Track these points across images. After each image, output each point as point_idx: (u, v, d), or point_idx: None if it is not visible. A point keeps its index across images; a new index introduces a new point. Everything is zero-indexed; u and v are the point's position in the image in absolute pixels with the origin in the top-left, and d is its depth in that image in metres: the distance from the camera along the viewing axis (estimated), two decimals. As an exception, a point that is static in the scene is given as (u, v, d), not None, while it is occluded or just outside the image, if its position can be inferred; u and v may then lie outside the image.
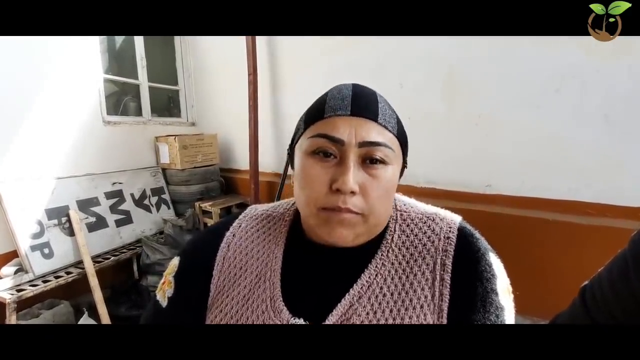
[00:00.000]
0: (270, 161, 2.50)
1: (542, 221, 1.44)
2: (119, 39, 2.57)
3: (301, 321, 0.43)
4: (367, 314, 0.42)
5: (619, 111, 1.31)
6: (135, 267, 2.27)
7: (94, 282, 1.86)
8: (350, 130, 0.41)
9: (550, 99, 1.44)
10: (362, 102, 0.44)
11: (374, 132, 0.42)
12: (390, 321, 0.41)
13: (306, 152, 0.44)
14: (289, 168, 0.53)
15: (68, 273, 1.84)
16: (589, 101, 1.36)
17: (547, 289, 1.25)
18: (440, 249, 0.45)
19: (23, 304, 1.68)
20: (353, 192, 0.41)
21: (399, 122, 0.46)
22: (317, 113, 0.45)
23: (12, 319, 1.57)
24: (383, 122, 0.43)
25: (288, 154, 0.51)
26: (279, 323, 0.44)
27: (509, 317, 0.42)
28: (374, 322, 0.42)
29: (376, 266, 0.45)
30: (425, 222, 0.48)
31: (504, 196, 1.60)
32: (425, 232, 0.47)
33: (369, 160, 0.42)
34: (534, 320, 1.36)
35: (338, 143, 0.42)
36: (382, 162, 0.43)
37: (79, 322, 1.83)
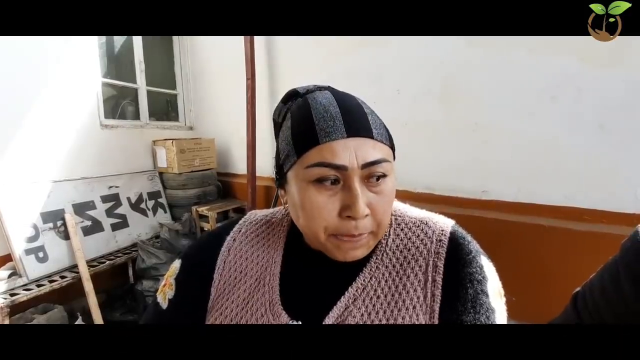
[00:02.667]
0: (267, 166, 2.50)
1: (538, 227, 1.44)
2: (118, 43, 2.58)
3: (299, 324, 0.44)
4: (362, 315, 0.43)
5: (614, 119, 1.32)
6: (130, 272, 2.25)
7: (88, 286, 1.85)
8: (350, 154, 0.40)
9: (546, 106, 1.46)
10: (354, 120, 0.42)
11: (373, 150, 0.41)
12: (384, 322, 0.42)
13: (306, 182, 0.42)
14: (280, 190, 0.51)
15: (62, 277, 1.82)
16: (585, 109, 1.38)
17: (543, 294, 1.25)
18: (433, 251, 0.45)
19: (16, 308, 1.66)
20: (366, 215, 0.41)
21: (386, 129, 0.46)
22: (308, 139, 0.42)
23: (5, 323, 1.55)
24: (378, 136, 0.43)
25: (276, 178, 0.49)
26: None
27: (500, 319, 0.42)
28: (368, 323, 0.43)
29: (371, 269, 0.46)
30: (418, 226, 0.49)
31: (500, 202, 1.60)
32: (418, 236, 0.48)
33: (372, 179, 0.42)
34: (530, 327, 1.36)
35: (341, 169, 0.40)
36: (383, 176, 0.43)
37: (73, 324, 1.81)
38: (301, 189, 0.42)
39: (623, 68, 1.29)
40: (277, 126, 0.51)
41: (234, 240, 0.55)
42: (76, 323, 1.84)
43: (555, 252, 1.39)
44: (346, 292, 0.45)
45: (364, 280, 0.46)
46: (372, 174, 0.41)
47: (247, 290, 0.49)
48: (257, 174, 2.46)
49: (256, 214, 0.59)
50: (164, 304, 0.52)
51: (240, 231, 0.56)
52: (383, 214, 0.43)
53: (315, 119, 0.42)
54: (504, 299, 0.45)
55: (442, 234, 0.46)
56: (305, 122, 0.43)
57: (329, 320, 0.44)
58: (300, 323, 0.44)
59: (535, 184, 1.52)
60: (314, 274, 0.49)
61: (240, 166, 2.74)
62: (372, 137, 0.42)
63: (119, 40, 2.56)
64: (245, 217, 0.59)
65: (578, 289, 0.46)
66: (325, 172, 0.41)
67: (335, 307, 0.44)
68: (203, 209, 2.43)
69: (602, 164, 1.36)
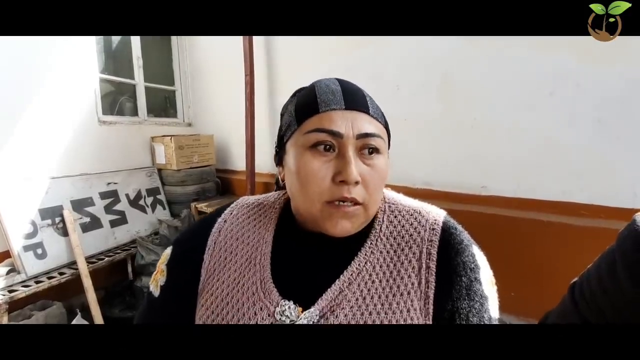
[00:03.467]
0: (266, 162, 2.50)
1: (536, 222, 1.45)
2: (115, 39, 2.56)
3: (291, 303, 0.44)
4: (357, 299, 0.44)
5: (611, 114, 1.33)
6: (129, 268, 2.25)
7: (87, 283, 1.84)
8: (347, 123, 0.43)
9: (545, 101, 1.46)
10: (352, 96, 0.46)
11: (368, 124, 0.45)
12: (379, 307, 0.43)
13: (304, 147, 0.44)
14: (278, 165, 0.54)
15: (61, 274, 1.82)
16: (583, 104, 1.38)
17: (542, 289, 1.26)
18: (426, 238, 0.46)
19: (15, 305, 1.65)
20: (357, 183, 0.43)
21: (384, 115, 0.49)
22: (310, 108, 0.45)
23: (3, 320, 1.55)
24: (374, 113, 0.46)
25: (276, 151, 0.52)
26: (269, 304, 0.45)
27: (493, 307, 0.43)
28: (363, 307, 0.43)
29: (365, 254, 0.47)
30: (412, 215, 0.50)
31: (499, 197, 1.61)
32: (412, 224, 0.49)
33: (365, 151, 0.44)
34: (528, 321, 1.37)
35: (337, 136, 0.43)
36: (377, 151, 0.45)
37: (72, 324, 1.81)
38: (298, 155, 0.45)
39: (621, 64, 1.29)
40: (283, 115, 0.53)
41: (225, 221, 0.55)
42: (75, 319, 1.83)
43: (554, 247, 1.39)
44: (341, 276, 0.45)
45: (359, 264, 0.46)
46: (365, 145, 0.44)
47: (237, 270, 0.49)
48: (256, 171, 2.45)
49: (248, 198, 0.60)
50: (156, 292, 0.52)
51: (231, 213, 0.56)
52: (374, 188, 0.45)
53: (317, 93, 0.46)
54: (495, 287, 0.46)
55: (435, 223, 0.48)
56: (308, 97, 0.48)
57: (323, 302, 0.44)
58: (292, 302, 0.44)
59: (534, 179, 1.52)
60: (306, 254, 0.49)
61: (239, 163, 2.74)
62: (368, 113, 0.45)
63: (116, 36, 2.55)
64: (237, 200, 0.59)
65: (576, 279, 0.46)
66: (322, 137, 0.43)
67: (329, 289, 0.45)
68: (202, 206, 2.43)
69: (600, 159, 1.37)
